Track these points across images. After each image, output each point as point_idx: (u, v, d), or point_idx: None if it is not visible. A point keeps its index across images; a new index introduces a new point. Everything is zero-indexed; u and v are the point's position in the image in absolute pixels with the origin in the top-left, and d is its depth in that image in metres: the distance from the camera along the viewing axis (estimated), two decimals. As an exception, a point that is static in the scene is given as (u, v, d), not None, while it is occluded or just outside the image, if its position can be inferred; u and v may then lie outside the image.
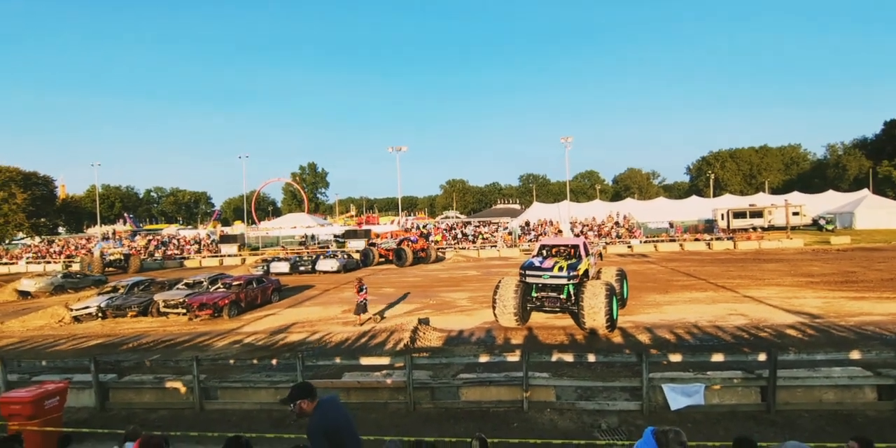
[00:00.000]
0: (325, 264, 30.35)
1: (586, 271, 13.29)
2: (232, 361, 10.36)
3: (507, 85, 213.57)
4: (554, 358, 8.36)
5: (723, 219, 45.88)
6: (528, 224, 45.42)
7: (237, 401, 8.48)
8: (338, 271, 29.74)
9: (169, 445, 4.75)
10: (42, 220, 67.79)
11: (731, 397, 7.31)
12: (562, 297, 12.68)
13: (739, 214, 46.11)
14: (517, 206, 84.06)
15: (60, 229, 73.45)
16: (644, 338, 11.87)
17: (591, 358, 8.56)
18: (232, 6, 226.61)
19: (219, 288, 18.12)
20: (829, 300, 15.26)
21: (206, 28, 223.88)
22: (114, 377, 9.13)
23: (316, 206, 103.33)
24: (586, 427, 6.95)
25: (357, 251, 36.23)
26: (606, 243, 38.22)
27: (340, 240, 45.71)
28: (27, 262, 43.72)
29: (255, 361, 10.38)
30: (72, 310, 17.80)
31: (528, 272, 12.83)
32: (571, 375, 8.08)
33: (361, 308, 14.82)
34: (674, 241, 39.09)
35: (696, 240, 38.82)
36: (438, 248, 38.50)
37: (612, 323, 11.81)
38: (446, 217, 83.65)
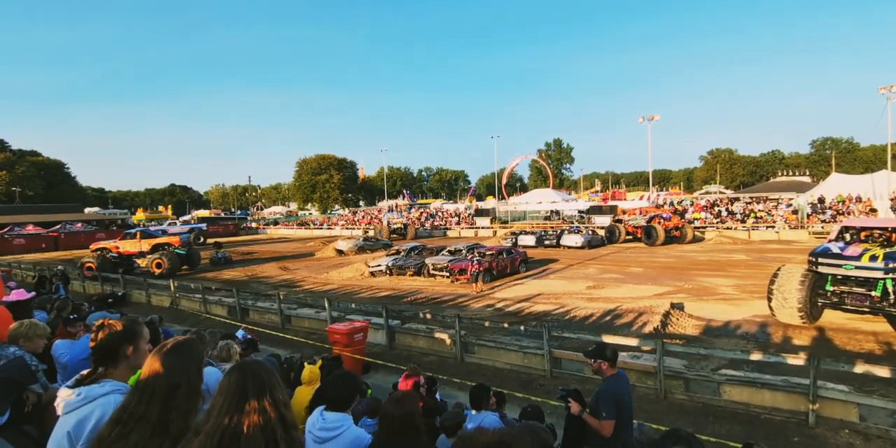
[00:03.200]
0: (569, 239, 30.50)
1: (918, 264, 10.04)
2: (486, 323, 11.53)
3: (787, 28, 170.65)
4: (858, 369, 6.67)
5: None
6: (822, 201, 36.44)
7: (490, 358, 9.45)
8: (582, 247, 29.48)
9: (436, 384, 5.93)
10: (349, 195, 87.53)
11: None
12: (873, 294, 9.93)
13: None
14: (806, 179, 67.58)
15: (361, 203, 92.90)
16: None
17: (922, 378, 6.51)
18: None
19: (475, 256, 20.15)
20: None
21: (463, 22, 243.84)
22: (398, 323, 11.22)
23: (560, 182, 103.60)
24: (907, 463, 5.41)
25: (602, 227, 35.24)
26: (956, 228, 27.78)
27: (584, 215, 45.15)
28: (341, 228, 56.91)
29: (505, 325, 11.36)
30: (369, 266, 22.46)
31: (822, 260, 10.43)
32: (887, 395, 6.31)
33: (474, 277, 16.90)
34: None
35: None
36: (697, 227, 34.43)
37: (960, 336, 8.70)
38: (707, 192, 73.44)
